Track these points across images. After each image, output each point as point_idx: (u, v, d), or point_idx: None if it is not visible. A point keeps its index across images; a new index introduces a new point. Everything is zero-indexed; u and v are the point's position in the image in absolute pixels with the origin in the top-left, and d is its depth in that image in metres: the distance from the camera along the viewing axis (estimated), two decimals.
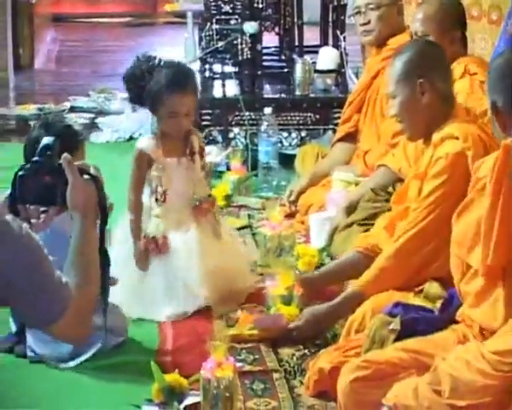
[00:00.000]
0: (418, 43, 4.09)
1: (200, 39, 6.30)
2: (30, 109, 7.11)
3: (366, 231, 4.27)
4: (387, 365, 3.04)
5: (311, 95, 6.17)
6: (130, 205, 4.33)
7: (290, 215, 5.12)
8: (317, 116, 6.08)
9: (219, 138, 6.10)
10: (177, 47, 7.31)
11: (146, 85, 4.31)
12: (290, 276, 4.11)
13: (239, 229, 5.14)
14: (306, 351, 3.85)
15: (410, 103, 3.79)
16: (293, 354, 3.84)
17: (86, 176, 2.58)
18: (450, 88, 3.86)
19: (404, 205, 3.92)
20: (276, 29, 6.66)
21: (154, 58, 4.40)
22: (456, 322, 3.19)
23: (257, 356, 3.86)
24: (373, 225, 4.26)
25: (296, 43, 6.71)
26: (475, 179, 3.07)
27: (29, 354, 3.84)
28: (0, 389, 3.65)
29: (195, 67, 6.31)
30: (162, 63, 4.39)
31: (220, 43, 6.13)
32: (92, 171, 2.63)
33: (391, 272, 3.72)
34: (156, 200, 4.34)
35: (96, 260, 2.58)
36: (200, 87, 6.21)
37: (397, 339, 3.23)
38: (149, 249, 4.24)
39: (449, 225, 3.18)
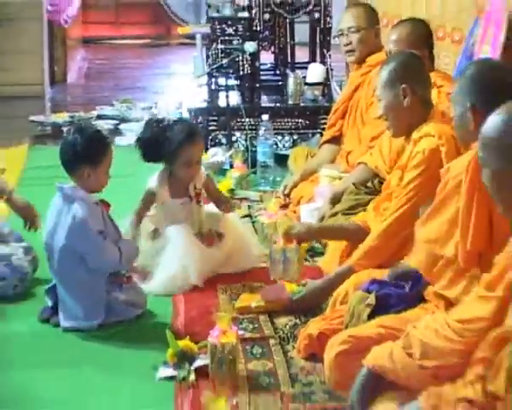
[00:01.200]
0: (402, 54, 4.06)
1: (208, 57, 6.28)
2: (63, 117, 7.09)
3: (348, 219, 4.26)
4: (367, 340, 3.01)
5: (302, 104, 6.14)
6: (131, 224, 4.32)
7: (284, 206, 5.10)
8: (307, 122, 6.08)
9: (224, 141, 6.08)
10: (187, 64, 7.29)
11: (159, 145, 4.32)
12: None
13: (240, 218, 5.13)
14: (298, 321, 3.84)
15: (394, 105, 3.83)
16: (287, 324, 3.83)
17: None
18: (429, 93, 3.91)
19: (388, 191, 4.02)
20: (272, 48, 6.65)
21: (163, 120, 4.45)
22: (425, 300, 3.19)
23: (256, 325, 3.84)
24: (354, 214, 4.28)
25: (289, 60, 6.70)
26: (446, 180, 3.05)
27: (62, 324, 3.82)
28: (37, 354, 3.64)
29: (203, 80, 6.31)
30: (172, 122, 4.42)
31: (224, 61, 6.10)
32: None
33: (376, 250, 3.81)
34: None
35: None
36: (207, 97, 6.24)
37: (372, 312, 3.23)
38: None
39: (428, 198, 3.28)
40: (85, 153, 3.80)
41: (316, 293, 3.92)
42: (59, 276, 3.85)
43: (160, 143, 4.32)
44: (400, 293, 3.30)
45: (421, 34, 4.54)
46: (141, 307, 3.95)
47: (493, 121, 2.50)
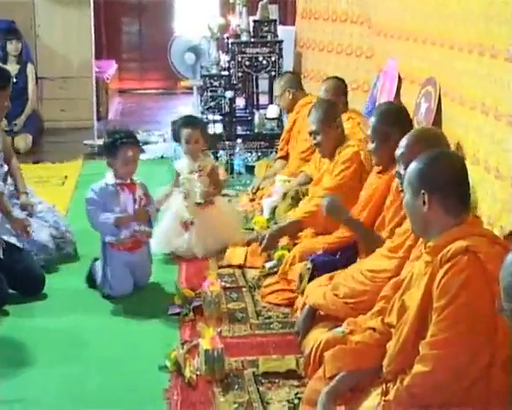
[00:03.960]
0: (325, 102, 4.00)
1: (201, 101, 6.22)
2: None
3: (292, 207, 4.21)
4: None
5: (263, 132, 6.05)
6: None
7: (252, 200, 5.02)
8: (267, 144, 5.99)
9: (211, 156, 6.01)
10: (188, 106, 7.20)
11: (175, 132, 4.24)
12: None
13: None
14: (261, 275, 3.76)
15: (326, 134, 3.72)
16: (254, 277, 3.77)
17: None
18: (343, 129, 3.82)
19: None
20: (244, 95, 6.59)
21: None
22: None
23: (233, 279, 3.78)
24: (297, 205, 4.20)
25: (255, 103, 6.62)
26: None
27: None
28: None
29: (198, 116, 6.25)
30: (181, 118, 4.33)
31: (212, 103, 6.05)
32: None
33: (316, 213, 3.55)
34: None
35: None
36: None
37: (312, 274, 3.15)
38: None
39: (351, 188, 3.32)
40: (104, 150, 3.64)
41: (273, 233, 3.74)
42: None
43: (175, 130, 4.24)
44: (333, 259, 3.23)
45: (340, 86, 4.49)
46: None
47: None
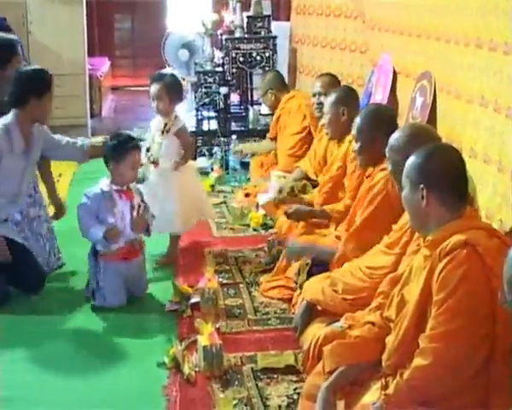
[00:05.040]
0: (340, 88, 3.95)
1: (195, 98, 6.20)
2: (98, 138, 6.96)
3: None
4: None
5: (258, 127, 6.04)
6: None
7: (247, 195, 5.00)
8: (262, 140, 5.88)
9: (206, 153, 6.00)
10: (182, 103, 7.16)
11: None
12: None
13: (219, 204, 5.07)
14: (258, 271, 3.78)
15: (335, 118, 3.65)
16: (251, 273, 3.78)
17: None
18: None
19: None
20: (238, 91, 6.58)
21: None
22: None
23: (230, 275, 3.78)
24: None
25: (249, 99, 6.61)
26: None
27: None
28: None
29: (193, 113, 6.23)
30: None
31: (206, 100, 6.03)
32: None
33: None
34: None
35: None
36: (195, 124, 6.15)
37: (310, 269, 3.17)
38: None
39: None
40: (109, 153, 3.40)
41: (302, 211, 3.61)
42: None
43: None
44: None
45: (333, 82, 4.44)
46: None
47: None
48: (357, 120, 3.08)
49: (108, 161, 3.39)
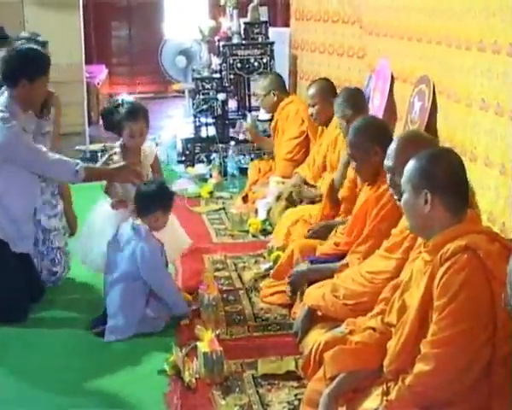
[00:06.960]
0: (347, 90, 3.95)
1: (193, 104, 6.19)
2: (97, 146, 6.97)
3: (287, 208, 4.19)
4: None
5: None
6: None
7: (245, 201, 5.01)
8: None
9: (205, 159, 6.00)
10: (179, 109, 7.19)
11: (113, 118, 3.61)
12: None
13: (217, 210, 5.07)
14: (257, 277, 3.76)
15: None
16: (251, 279, 3.77)
17: None
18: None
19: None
20: (236, 97, 6.57)
21: (118, 101, 3.74)
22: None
23: (230, 281, 3.78)
24: (292, 206, 4.20)
25: (247, 105, 6.61)
26: None
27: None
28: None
29: (191, 119, 6.23)
30: (123, 102, 3.66)
31: (204, 106, 6.03)
32: None
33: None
34: None
35: None
36: (193, 130, 6.15)
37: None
38: None
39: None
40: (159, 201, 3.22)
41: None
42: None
43: (113, 116, 3.57)
44: (328, 261, 3.17)
45: (328, 87, 4.44)
46: (165, 321, 3.27)
47: None
48: (350, 137, 3.02)
49: (156, 209, 3.24)
